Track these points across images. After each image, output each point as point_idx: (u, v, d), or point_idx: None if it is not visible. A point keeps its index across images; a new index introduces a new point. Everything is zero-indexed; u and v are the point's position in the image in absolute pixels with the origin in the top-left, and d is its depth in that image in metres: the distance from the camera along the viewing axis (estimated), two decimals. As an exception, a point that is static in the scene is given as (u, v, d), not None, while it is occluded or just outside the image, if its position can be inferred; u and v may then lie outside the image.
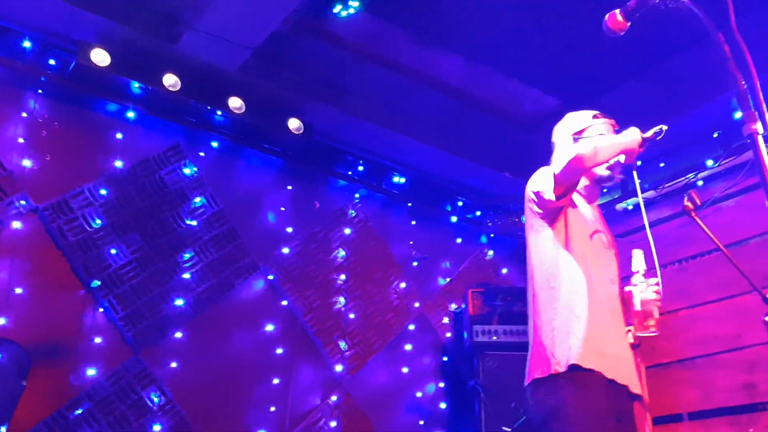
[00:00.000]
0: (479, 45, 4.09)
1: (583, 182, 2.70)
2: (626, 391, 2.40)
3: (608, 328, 2.46)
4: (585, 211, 2.66)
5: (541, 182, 2.51)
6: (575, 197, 2.64)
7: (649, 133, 2.56)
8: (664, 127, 2.56)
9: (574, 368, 2.30)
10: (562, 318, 2.41)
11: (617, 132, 2.69)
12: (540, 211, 2.55)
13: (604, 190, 4.96)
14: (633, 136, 2.55)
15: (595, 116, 2.75)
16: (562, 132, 2.79)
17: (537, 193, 2.52)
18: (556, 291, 2.47)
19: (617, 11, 1.99)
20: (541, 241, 2.57)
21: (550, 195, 2.47)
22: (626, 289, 2.57)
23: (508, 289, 4.86)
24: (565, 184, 2.46)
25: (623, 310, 2.63)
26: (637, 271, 2.55)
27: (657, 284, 2.52)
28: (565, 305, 2.43)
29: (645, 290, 2.51)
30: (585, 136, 2.69)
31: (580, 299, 2.43)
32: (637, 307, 2.50)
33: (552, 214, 2.54)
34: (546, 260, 2.55)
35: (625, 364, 2.44)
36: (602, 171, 2.66)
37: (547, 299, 2.49)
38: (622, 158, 2.60)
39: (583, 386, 2.29)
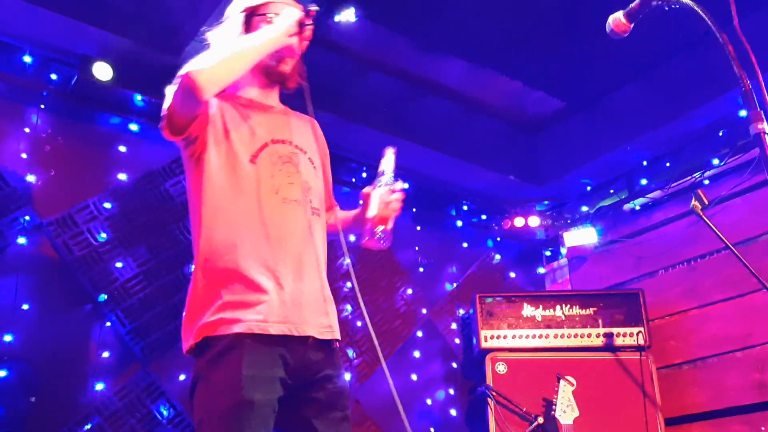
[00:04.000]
0: (481, 48, 4.08)
1: (250, 83, 2.19)
2: (312, 342, 2.00)
3: (274, 269, 1.99)
4: (251, 121, 2.12)
5: (164, 106, 2.01)
6: (232, 104, 2.13)
7: (311, 9, 2.10)
8: (315, 7, 2.10)
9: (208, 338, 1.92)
10: (200, 274, 2.01)
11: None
12: (170, 138, 2.06)
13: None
14: (285, 23, 2.05)
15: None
16: (233, 9, 2.21)
17: (162, 118, 2.02)
18: (200, 241, 2.02)
19: (620, 13, 1.98)
20: (188, 177, 2.12)
21: (161, 127, 2.01)
22: (366, 189, 2.19)
23: (516, 293, 4.84)
24: (181, 115, 1.98)
25: (342, 222, 2.29)
26: (383, 172, 2.20)
27: (401, 191, 2.14)
28: (211, 261, 1.99)
29: (387, 195, 2.13)
30: (260, 15, 2.15)
31: (223, 253, 1.98)
32: (372, 213, 2.12)
33: (182, 143, 2.07)
34: (191, 201, 2.10)
35: (302, 308, 2.00)
36: (270, 62, 2.14)
37: (195, 251, 2.05)
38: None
39: (222, 355, 1.88)
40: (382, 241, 2.13)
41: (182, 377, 3.85)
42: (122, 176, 3.95)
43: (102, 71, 3.77)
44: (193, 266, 2.09)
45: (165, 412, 3.75)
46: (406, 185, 2.15)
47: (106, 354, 3.67)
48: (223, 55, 1.98)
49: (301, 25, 2.09)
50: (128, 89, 3.89)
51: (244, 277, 1.96)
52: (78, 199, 3.78)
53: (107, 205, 3.85)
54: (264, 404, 1.86)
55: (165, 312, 3.89)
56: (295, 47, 2.14)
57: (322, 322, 2.06)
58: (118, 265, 3.80)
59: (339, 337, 2.12)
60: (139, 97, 3.94)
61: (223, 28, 2.22)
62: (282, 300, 1.97)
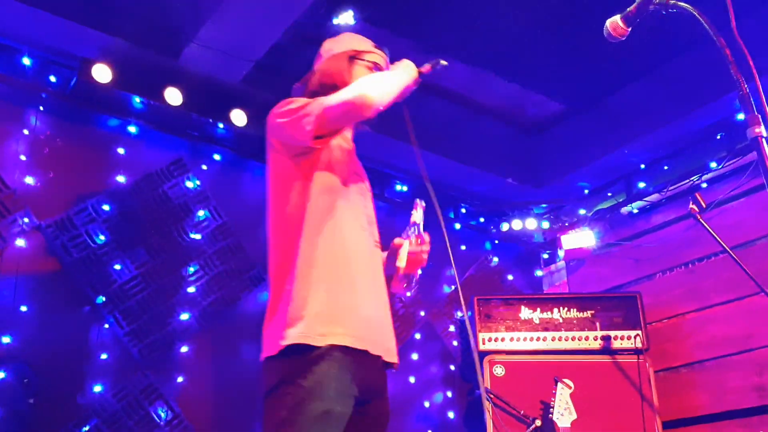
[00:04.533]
0: (480, 50, 4.09)
1: None
2: (380, 363, 2.11)
3: (360, 288, 2.11)
4: (342, 151, 2.29)
5: (298, 114, 2.12)
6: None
7: (427, 67, 2.34)
8: (443, 62, 2.35)
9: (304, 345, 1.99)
10: (299, 283, 2.07)
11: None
12: (287, 149, 2.20)
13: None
14: (410, 73, 2.30)
15: (374, 45, 2.47)
16: (338, 47, 2.43)
17: (288, 125, 2.14)
18: (297, 249, 2.10)
19: (618, 17, 1.98)
20: (286, 185, 2.20)
21: (306, 133, 2.09)
22: (396, 241, 2.31)
23: (514, 296, 4.84)
24: (333, 126, 2.12)
25: (385, 260, 2.36)
26: (414, 224, 2.33)
27: (429, 244, 2.28)
28: (311, 271, 2.07)
29: (416, 248, 2.26)
30: (365, 60, 2.39)
31: (325, 265, 2.08)
32: (401, 264, 2.22)
33: (302, 153, 2.18)
34: (288, 210, 2.17)
35: (379, 330, 2.13)
36: None
37: (284, 259, 2.13)
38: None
39: (314, 364, 1.96)
40: (410, 291, 2.30)
41: (180, 379, 3.86)
42: (121, 178, 3.96)
43: (101, 73, 3.77)
44: (273, 267, 2.18)
45: (163, 414, 3.75)
46: (428, 238, 2.33)
47: (104, 356, 3.67)
48: (385, 86, 2.19)
49: (422, 75, 2.33)
50: (127, 91, 3.89)
51: (340, 292, 2.07)
52: (77, 201, 3.78)
53: (106, 207, 3.85)
54: (344, 416, 1.96)
55: (163, 314, 3.89)
56: (410, 91, 2.35)
57: (390, 346, 2.17)
58: (117, 267, 3.80)
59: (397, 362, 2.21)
60: (138, 99, 3.95)
61: (329, 63, 2.41)
62: (367, 318, 2.09)
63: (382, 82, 2.22)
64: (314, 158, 2.19)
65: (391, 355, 2.15)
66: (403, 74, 2.28)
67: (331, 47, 2.46)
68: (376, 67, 2.41)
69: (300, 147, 2.17)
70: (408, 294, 2.30)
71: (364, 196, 2.34)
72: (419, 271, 2.29)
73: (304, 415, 1.91)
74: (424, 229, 2.36)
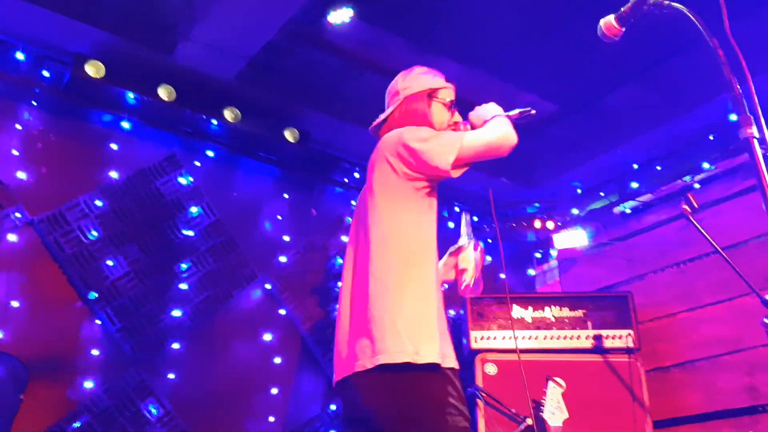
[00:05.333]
0: (475, 50, 4.08)
1: None
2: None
3: (443, 315, 2.32)
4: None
5: (439, 143, 2.29)
6: None
7: (515, 112, 2.52)
8: (533, 111, 2.53)
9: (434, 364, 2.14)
10: (419, 304, 2.20)
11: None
12: (416, 173, 2.30)
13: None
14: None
15: (446, 80, 2.64)
16: (415, 84, 2.58)
17: (428, 153, 2.27)
18: (414, 271, 2.24)
19: (612, 17, 1.99)
20: (404, 211, 2.31)
21: (446, 164, 2.26)
22: (452, 249, 2.62)
23: (506, 295, 4.84)
24: (472, 160, 2.33)
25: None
26: (468, 234, 2.64)
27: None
28: (422, 291, 2.23)
29: (474, 253, 2.55)
30: (439, 98, 2.57)
31: (433, 287, 2.27)
32: (470, 273, 2.52)
33: (427, 180, 2.32)
34: (408, 235, 2.29)
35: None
36: None
37: (399, 279, 2.21)
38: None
39: (450, 381, 2.17)
40: (479, 290, 2.54)
41: (172, 376, 3.85)
42: (114, 174, 3.95)
43: (95, 69, 3.76)
44: (373, 281, 2.25)
45: (154, 411, 3.75)
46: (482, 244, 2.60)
47: (95, 352, 3.67)
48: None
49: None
50: (120, 87, 3.88)
51: (444, 315, 2.28)
52: (69, 196, 3.78)
53: (98, 203, 3.84)
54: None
55: (156, 311, 3.89)
56: None
57: None
58: (109, 263, 3.79)
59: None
60: (131, 95, 3.94)
61: (410, 104, 2.54)
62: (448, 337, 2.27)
63: (508, 127, 2.42)
64: (432, 187, 2.36)
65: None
66: (509, 124, 2.45)
67: (408, 85, 2.58)
68: (453, 104, 2.59)
69: (430, 174, 2.30)
70: (478, 290, 2.55)
71: None
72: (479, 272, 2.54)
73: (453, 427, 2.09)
74: None
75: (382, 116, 2.61)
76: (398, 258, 2.24)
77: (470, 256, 2.54)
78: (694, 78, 3.97)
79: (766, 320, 2.69)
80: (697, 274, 4.49)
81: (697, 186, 4.57)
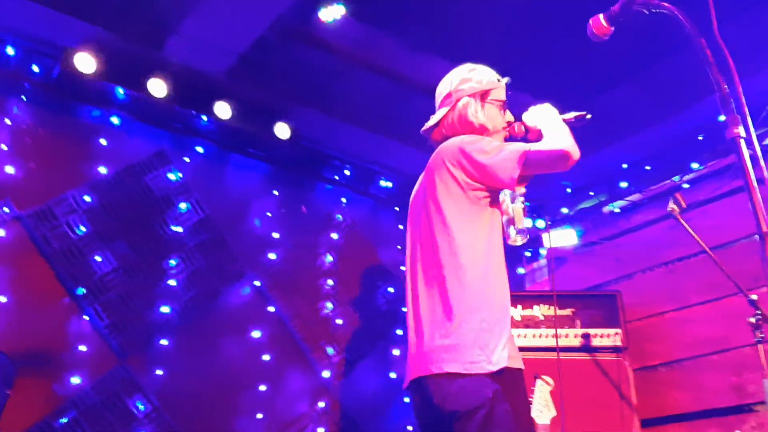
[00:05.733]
0: (467, 49, 4.04)
1: None
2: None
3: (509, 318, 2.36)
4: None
5: (501, 155, 2.27)
6: None
7: (571, 116, 2.52)
8: (588, 115, 2.55)
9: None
10: (492, 313, 2.24)
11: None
12: (478, 184, 2.31)
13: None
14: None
15: (498, 79, 2.62)
16: (467, 86, 2.56)
17: (492, 164, 2.27)
18: (487, 279, 2.29)
19: (601, 16, 1.99)
20: (474, 221, 2.33)
21: (511, 180, 2.25)
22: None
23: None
24: (535, 171, 2.30)
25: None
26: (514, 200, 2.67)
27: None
28: (496, 299, 2.29)
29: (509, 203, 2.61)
30: (492, 99, 2.55)
31: (501, 291, 2.33)
32: (517, 218, 2.61)
33: (489, 191, 2.33)
34: (478, 244, 2.31)
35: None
36: None
37: (473, 287, 2.26)
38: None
39: (509, 384, 2.20)
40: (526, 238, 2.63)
41: (159, 372, 3.84)
42: (102, 169, 3.93)
43: (84, 63, 3.74)
44: (441, 291, 2.29)
45: (142, 407, 3.73)
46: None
47: (83, 347, 3.65)
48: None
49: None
50: (110, 82, 3.86)
51: (510, 319, 2.32)
52: (58, 191, 3.76)
53: (87, 198, 3.82)
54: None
55: (144, 307, 3.87)
56: None
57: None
58: (97, 258, 3.78)
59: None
60: (121, 90, 3.92)
61: (464, 108, 2.53)
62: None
63: (569, 135, 2.40)
64: (495, 197, 2.36)
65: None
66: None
67: (459, 87, 2.56)
68: (505, 105, 2.59)
69: (494, 185, 2.30)
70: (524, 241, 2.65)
71: None
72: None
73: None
74: None
75: (433, 119, 2.59)
76: (468, 265, 2.27)
77: (510, 206, 2.58)
78: (683, 79, 3.98)
79: (752, 320, 2.71)
80: (686, 274, 4.51)
81: (686, 186, 4.59)
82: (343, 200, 4.96)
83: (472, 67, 2.63)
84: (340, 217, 4.90)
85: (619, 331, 4.31)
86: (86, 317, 3.71)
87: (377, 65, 4.24)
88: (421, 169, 5.29)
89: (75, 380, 3.57)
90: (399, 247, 5.12)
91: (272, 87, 4.26)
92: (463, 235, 2.30)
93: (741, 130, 1.53)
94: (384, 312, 4.88)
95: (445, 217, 2.33)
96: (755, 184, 1.44)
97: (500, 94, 2.59)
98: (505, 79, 2.61)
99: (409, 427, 4.70)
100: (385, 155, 4.89)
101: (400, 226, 5.19)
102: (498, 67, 4.21)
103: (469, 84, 2.56)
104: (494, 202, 2.37)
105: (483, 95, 2.55)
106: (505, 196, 2.59)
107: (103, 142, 3.98)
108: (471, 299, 2.23)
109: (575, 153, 2.32)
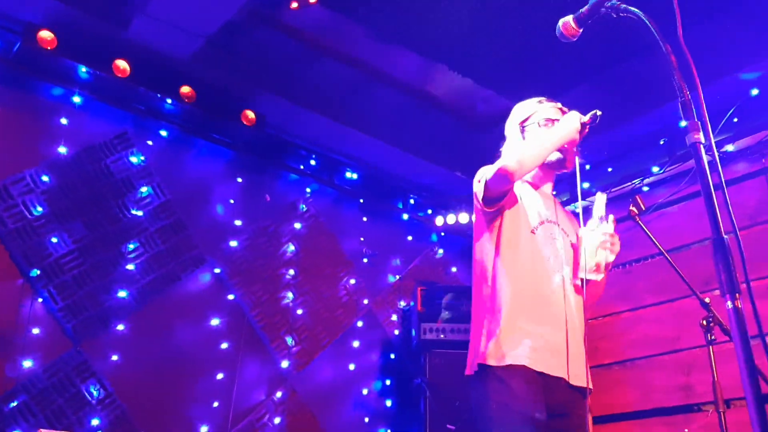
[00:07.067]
0: (435, 43, 4.09)
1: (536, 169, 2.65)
2: (564, 384, 2.37)
3: (540, 321, 2.42)
4: (532, 202, 2.61)
5: (477, 184, 2.50)
6: (523, 187, 2.63)
7: (586, 118, 2.51)
8: (599, 113, 2.50)
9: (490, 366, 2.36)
10: (493, 319, 2.43)
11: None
12: (480, 209, 2.53)
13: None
14: (572, 125, 2.50)
15: (539, 101, 2.72)
16: (511, 124, 2.76)
17: (474, 194, 2.53)
18: (489, 291, 2.49)
19: (570, 17, 2.01)
20: (481, 239, 2.58)
21: (478, 201, 2.49)
22: (581, 232, 2.57)
23: (456, 287, 4.89)
24: (494, 192, 2.44)
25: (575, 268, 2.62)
26: (600, 217, 2.57)
27: (612, 235, 2.53)
28: (497, 308, 2.44)
29: (595, 235, 2.52)
30: (530, 124, 2.67)
31: (506, 303, 2.43)
32: (586, 251, 2.49)
33: (489, 213, 2.52)
34: (484, 259, 2.55)
35: (558, 355, 2.39)
36: (552, 157, 2.58)
37: (481, 298, 2.51)
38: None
39: (502, 381, 2.32)
40: (594, 274, 2.52)
41: (115, 357, 3.79)
42: (62, 149, 3.85)
43: (46, 39, 3.65)
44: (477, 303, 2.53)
45: (95, 392, 3.68)
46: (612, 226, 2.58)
47: (36, 330, 3.58)
48: (531, 149, 2.47)
49: (584, 125, 2.50)
50: (73, 60, 3.78)
51: (530, 323, 2.40)
52: (14, 170, 3.67)
53: (45, 178, 3.74)
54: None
55: (100, 290, 3.81)
56: (577, 141, 2.55)
57: (576, 372, 2.42)
58: (53, 240, 3.70)
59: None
60: (83, 69, 3.84)
61: (504, 149, 2.72)
62: (543, 345, 2.38)
63: (530, 146, 2.51)
64: (499, 217, 2.52)
65: (578, 380, 2.40)
66: (560, 129, 2.50)
67: (508, 129, 2.76)
68: (548, 121, 2.65)
69: (489, 213, 2.50)
70: (599, 278, 2.55)
71: (553, 240, 2.58)
72: (611, 257, 2.53)
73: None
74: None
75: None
76: (482, 285, 2.53)
77: (586, 243, 2.51)
78: (648, 82, 4.05)
79: (704, 322, 2.77)
80: (641, 275, 4.60)
81: (645, 189, 4.67)
82: (308, 190, 4.93)
83: (519, 105, 2.80)
84: (303, 207, 4.88)
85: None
86: (40, 300, 3.64)
87: (346, 54, 4.23)
88: (389, 163, 5.32)
89: (26, 363, 3.50)
90: (362, 239, 5.12)
91: (239, 72, 4.22)
92: (482, 259, 2.59)
93: (701, 136, 1.55)
94: (345, 303, 4.88)
95: (475, 239, 2.67)
96: (713, 189, 1.47)
97: (540, 116, 2.70)
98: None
99: (366, 419, 4.72)
100: (351, 146, 4.88)
101: (364, 218, 5.19)
102: (464, 62, 4.25)
103: (512, 121, 2.78)
104: (502, 223, 2.53)
105: (522, 123, 2.75)
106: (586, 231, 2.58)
107: (63, 121, 3.90)
108: (489, 312, 2.50)
109: (510, 166, 2.37)
